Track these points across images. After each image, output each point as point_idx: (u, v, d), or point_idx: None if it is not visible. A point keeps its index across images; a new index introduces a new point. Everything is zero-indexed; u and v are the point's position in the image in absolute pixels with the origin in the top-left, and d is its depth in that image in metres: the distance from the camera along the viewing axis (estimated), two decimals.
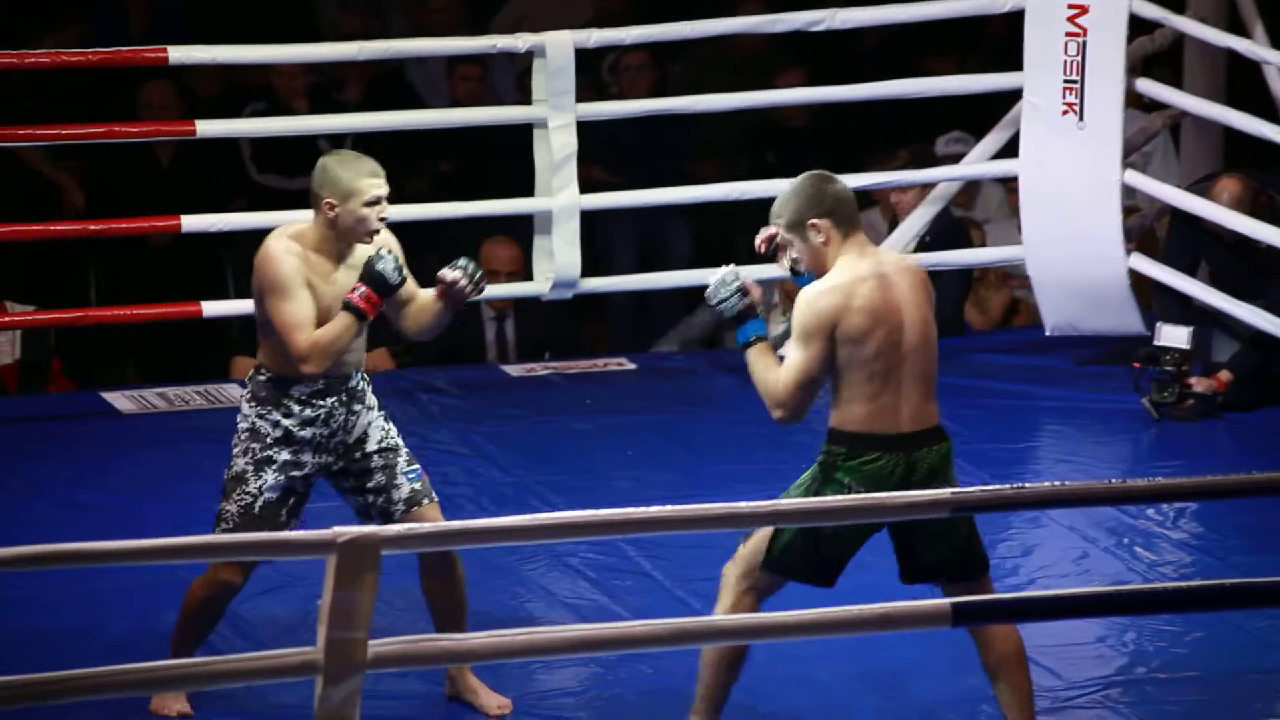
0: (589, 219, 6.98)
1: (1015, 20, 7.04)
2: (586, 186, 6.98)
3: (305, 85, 7.73)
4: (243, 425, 4.57)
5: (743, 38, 7.97)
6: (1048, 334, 7.12)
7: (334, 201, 4.53)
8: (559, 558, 5.41)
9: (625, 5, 8.35)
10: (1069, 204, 6.96)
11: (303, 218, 4.60)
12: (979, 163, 7.23)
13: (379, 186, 4.55)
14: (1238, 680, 4.81)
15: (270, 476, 4.54)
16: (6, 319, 6.75)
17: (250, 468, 4.54)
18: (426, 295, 4.64)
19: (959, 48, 8.42)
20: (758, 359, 4.28)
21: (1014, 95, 7.06)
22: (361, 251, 4.56)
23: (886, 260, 4.31)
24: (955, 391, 6.81)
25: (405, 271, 4.56)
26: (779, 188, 7.11)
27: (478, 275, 4.59)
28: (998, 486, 3.79)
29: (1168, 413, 6.55)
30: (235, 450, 4.57)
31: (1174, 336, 6.59)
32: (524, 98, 7.16)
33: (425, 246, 7.63)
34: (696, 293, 7.88)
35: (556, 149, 6.81)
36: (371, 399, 4.64)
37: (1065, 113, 6.93)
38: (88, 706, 3.59)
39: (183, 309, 6.68)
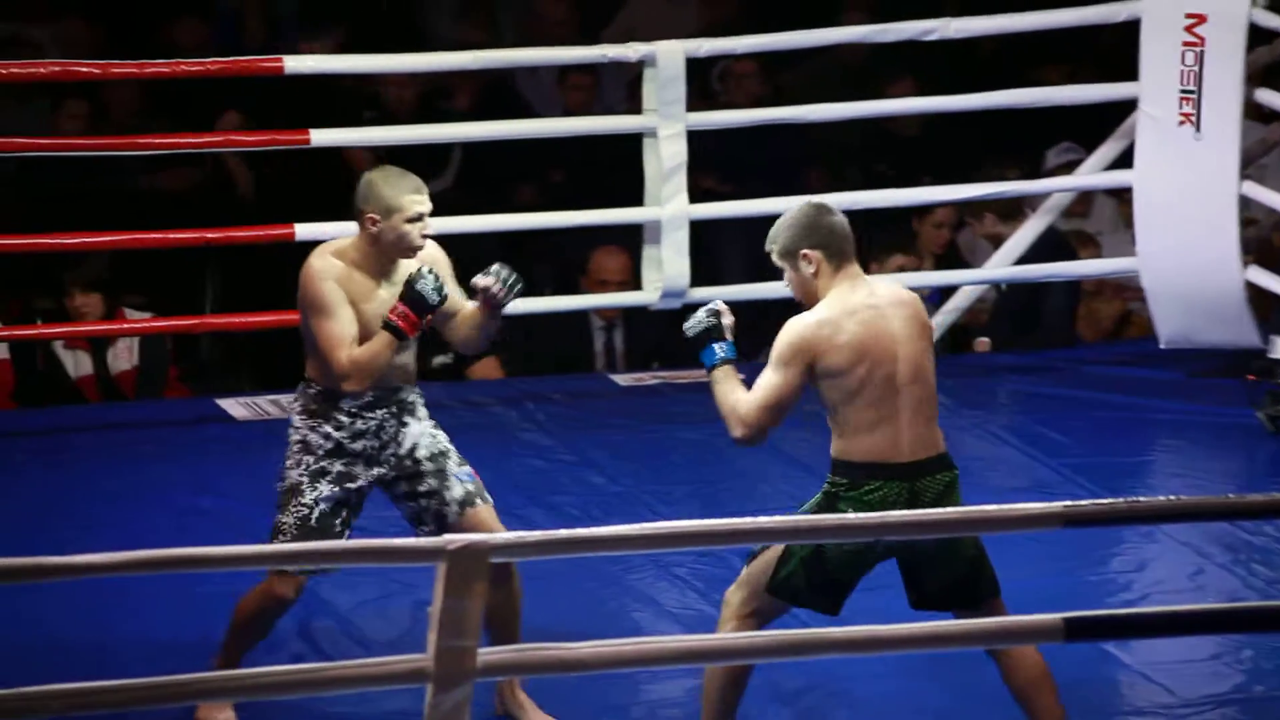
0: (698, 228, 6.97)
1: (1129, 30, 6.97)
2: (696, 196, 6.98)
3: (415, 94, 7.78)
4: (294, 438, 4.59)
5: (850, 46, 7.94)
6: (1161, 346, 7.04)
7: (376, 217, 4.55)
8: (666, 568, 5.41)
9: (735, 14, 8.35)
10: (1185, 215, 6.88)
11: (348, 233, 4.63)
12: (1093, 173, 7.17)
13: (422, 203, 4.56)
14: None
15: (325, 488, 4.56)
16: (125, 326, 6.84)
17: (305, 480, 4.56)
18: (470, 307, 4.66)
19: (1070, 58, 8.35)
20: (724, 379, 4.29)
21: (1127, 106, 6.99)
22: (405, 267, 4.57)
23: (880, 292, 4.30)
24: (1066, 404, 6.76)
25: (446, 289, 4.56)
26: (890, 198, 7.16)
27: (511, 280, 4.59)
28: (1111, 500, 3.75)
29: None
30: (288, 463, 4.59)
31: None
32: (634, 107, 7.17)
33: (535, 256, 7.67)
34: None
35: (666, 158, 6.82)
36: (422, 411, 4.65)
37: (1182, 123, 6.86)
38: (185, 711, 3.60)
39: (296, 316, 6.73)
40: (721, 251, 7.86)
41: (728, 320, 4.36)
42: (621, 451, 6.33)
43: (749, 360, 7.57)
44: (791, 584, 4.27)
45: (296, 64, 6.64)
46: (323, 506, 4.55)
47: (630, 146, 6.93)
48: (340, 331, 4.50)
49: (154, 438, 6.41)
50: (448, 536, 3.49)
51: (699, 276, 6.96)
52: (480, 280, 4.59)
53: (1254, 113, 7.09)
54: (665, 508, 5.85)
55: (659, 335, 7.43)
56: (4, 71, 6.64)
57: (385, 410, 4.58)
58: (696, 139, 6.86)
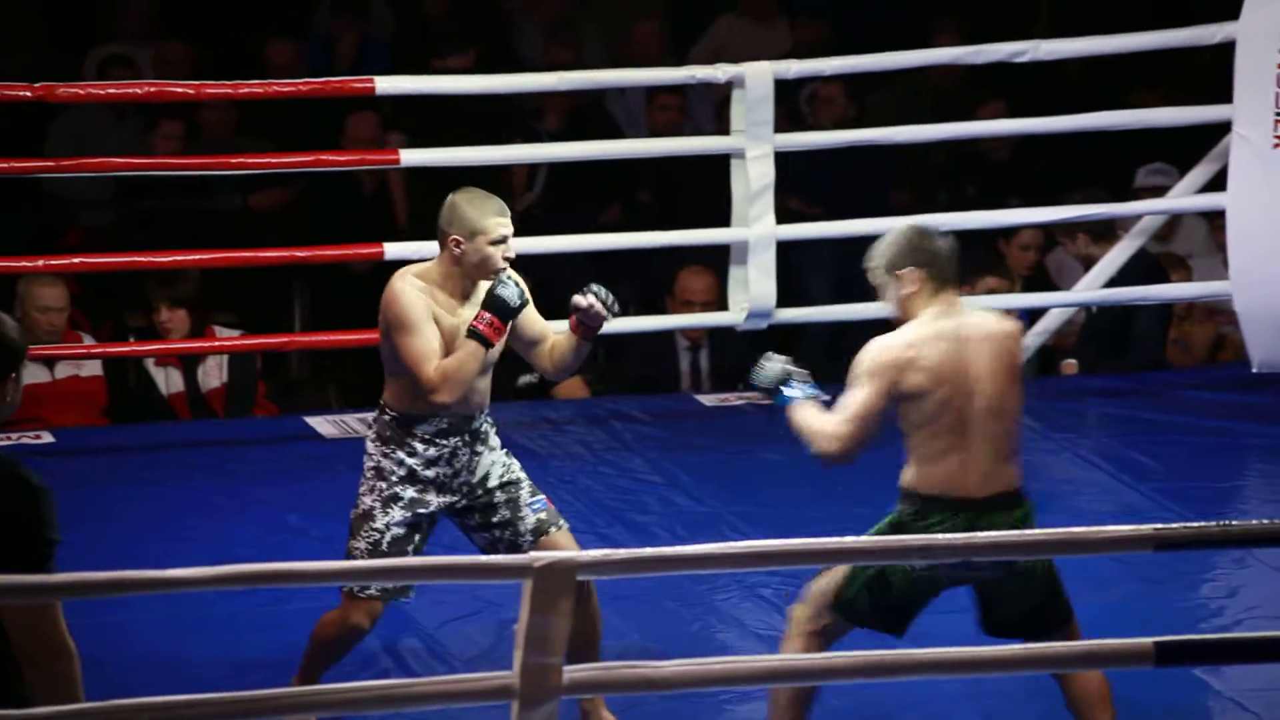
0: (785, 249, 6.96)
1: (1223, 52, 6.91)
2: (783, 217, 6.97)
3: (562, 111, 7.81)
4: (368, 464, 4.61)
5: (940, 68, 7.91)
6: (1254, 370, 6.97)
7: (460, 239, 4.56)
8: (751, 588, 5.39)
9: (823, 36, 8.34)
10: (1278, 238, 6.81)
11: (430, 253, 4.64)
12: (1185, 196, 7.10)
13: (505, 226, 4.57)
14: None
15: (397, 513, 4.57)
16: (215, 344, 6.90)
17: (377, 505, 4.57)
18: (559, 331, 4.65)
19: (1164, 80, 8.28)
20: (807, 408, 4.29)
21: (1220, 128, 6.92)
22: (486, 288, 4.58)
23: (971, 323, 4.27)
24: (1158, 428, 6.69)
25: (527, 296, 4.58)
26: (979, 219, 7.11)
27: (610, 300, 4.59)
28: (1202, 524, 3.70)
29: None
30: (361, 490, 4.60)
31: None
32: (722, 128, 7.17)
33: (621, 276, 7.68)
34: (890, 325, 7.85)
35: (754, 179, 6.81)
36: (495, 440, 4.65)
37: (1277, 146, 6.79)
38: None
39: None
40: (807, 273, 7.84)
41: (796, 369, 4.35)
42: (706, 472, 6.31)
43: (837, 383, 7.56)
44: (856, 605, 4.27)
45: (387, 85, 6.68)
46: (395, 531, 4.56)
47: (717, 167, 6.93)
48: (426, 346, 4.51)
49: (242, 455, 6.45)
50: (534, 554, 3.50)
51: (785, 298, 6.95)
52: (579, 300, 4.59)
53: None
54: (749, 528, 5.84)
55: (744, 356, 7.41)
56: (101, 92, 6.73)
57: (458, 438, 4.59)
58: (784, 160, 6.85)
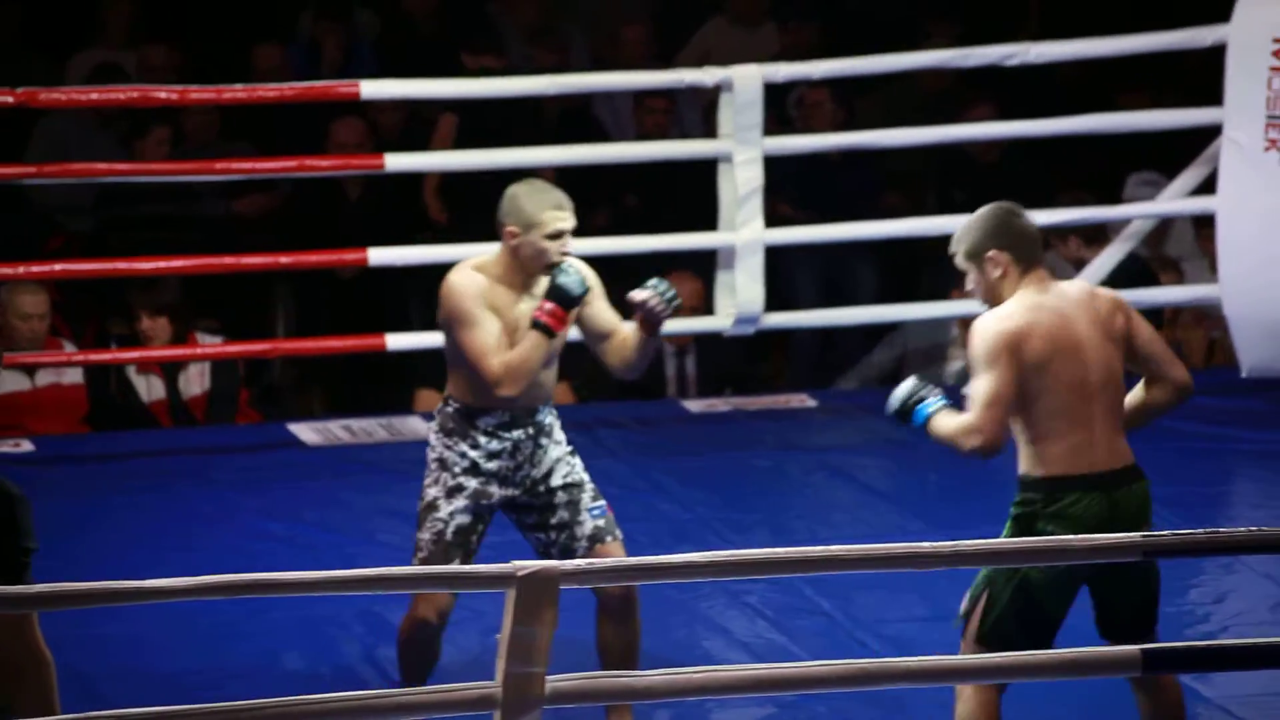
0: (772, 254, 6.93)
1: (1213, 55, 6.89)
2: (771, 221, 6.94)
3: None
4: (431, 456, 4.58)
5: (929, 71, 7.88)
6: (1244, 375, 6.94)
7: (516, 230, 4.51)
8: (736, 596, 5.36)
9: (811, 39, 8.31)
10: (1269, 243, 6.79)
11: (489, 250, 4.60)
12: (1175, 199, 7.08)
13: (563, 220, 4.51)
14: None
15: (461, 502, 4.54)
16: (197, 351, 6.87)
17: (441, 495, 4.54)
18: (627, 327, 4.59)
19: (1154, 83, 8.26)
20: (940, 417, 4.11)
21: (1211, 132, 6.90)
22: (545, 283, 4.53)
23: (1068, 293, 4.16)
24: (1147, 432, 6.63)
25: (590, 284, 4.53)
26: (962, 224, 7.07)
27: (670, 294, 4.53)
28: (1190, 531, 3.68)
29: None
30: (426, 481, 4.58)
31: None
32: (710, 132, 7.14)
33: (607, 280, 7.63)
34: (880, 330, 7.85)
35: (742, 183, 6.78)
36: (560, 434, 4.61)
37: (1268, 149, 6.76)
38: None
39: (367, 341, 6.74)
40: (795, 278, 7.81)
41: (920, 384, 4.18)
42: (692, 478, 6.29)
43: (824, 388, 7.54)
44: (1002, 629, 4.07)
45: (373, 89, 6.65)
46: (459, 520, 4.52)
47: (705, 171, 6.90)
48: (487, 339, 4.46)
49: (225, 463, 6.42)
50: (516, 563, 3.46)
51: (772, 302, 6.92)
52: (638, 295, 4.52)
53: None
54: (736, 535, 5.81)
55: (732, 361, 7.39)
56: (84, 98, 6.69)
57: (521, 431, 4.54)
58: (772, 165, 6.82)
